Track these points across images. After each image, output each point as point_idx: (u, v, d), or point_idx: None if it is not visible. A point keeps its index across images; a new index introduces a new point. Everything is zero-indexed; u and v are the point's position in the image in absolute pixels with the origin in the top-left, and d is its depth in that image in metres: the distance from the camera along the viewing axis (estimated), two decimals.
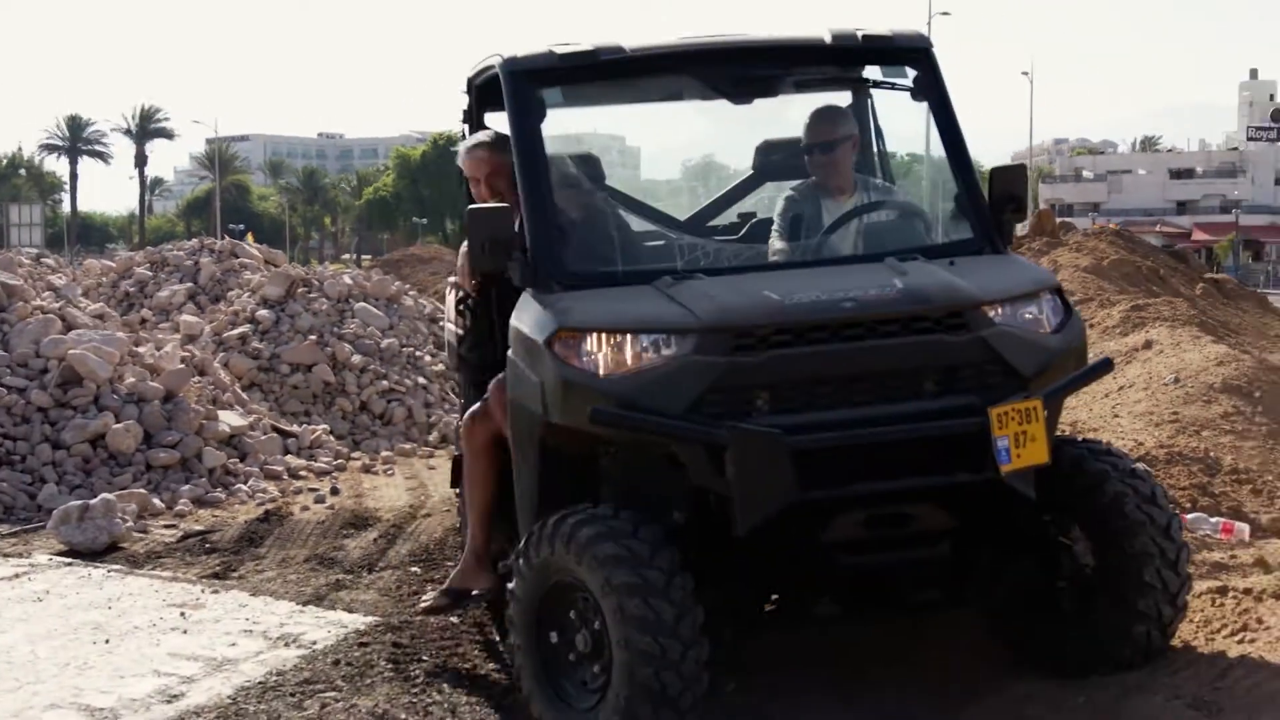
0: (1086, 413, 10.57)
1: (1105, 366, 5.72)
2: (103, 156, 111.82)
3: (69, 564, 8.76)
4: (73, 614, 7.45)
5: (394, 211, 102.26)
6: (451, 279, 7.00)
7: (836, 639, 6.17)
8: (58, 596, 7.86)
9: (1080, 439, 5.91)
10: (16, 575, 8.43)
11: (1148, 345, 12.73)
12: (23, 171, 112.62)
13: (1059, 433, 5.71)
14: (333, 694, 6.02)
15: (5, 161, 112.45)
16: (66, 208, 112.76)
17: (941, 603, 5.48)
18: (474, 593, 6.25)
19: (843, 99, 6.73)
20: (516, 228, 5.52)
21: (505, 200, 5.80)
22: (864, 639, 6.18)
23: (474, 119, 6.77)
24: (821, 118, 6.27)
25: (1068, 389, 5.40)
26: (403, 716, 5.72)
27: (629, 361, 5.00)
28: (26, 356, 11.68)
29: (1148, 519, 5.24)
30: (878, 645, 6.11)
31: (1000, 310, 5.18)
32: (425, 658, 6.39)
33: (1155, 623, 5.26)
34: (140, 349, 12.69)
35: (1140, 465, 5.57)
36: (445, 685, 6.05)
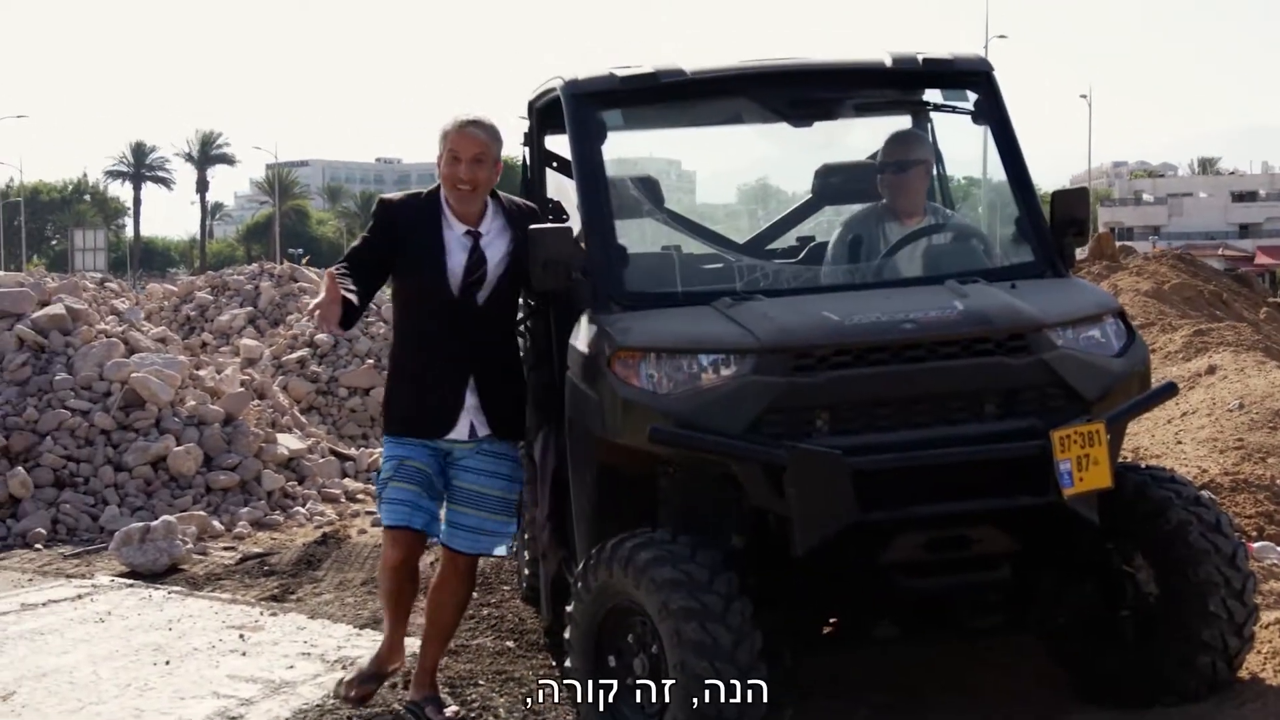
0: (1149, 439, 10.46)
1: (1169, 390, 5.65)
2: (165, 182, 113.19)
3: (130, 585, 8.82)
4: (134, 635, 7.50)
5: None
6: None
7: (896, 662, 6.12)
8: (119, 618, 7.92)
9: (1143, 465, 5.85)
10: (79, 596, 8.50)
11: (1211, 370, 12.58)
12: (87, 197, 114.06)
13: (1121, 459, 5.65)
14: (390, 718, 6.02)
15: (71, 188, 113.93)
16: (129, 232, 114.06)
17: (1001, 627, 5.43)
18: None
19: (902, 123, 6.71)
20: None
21: (477, 192, 5.55)
22: (924, 663, 6.13)
23: (535, 142, 6.79)
24: (899, 139, 6.31)
25: (1131, 413, 5.34)
26: None
27: (688, 381, 4.99)
28: (90, 379, 11.79)
29: (1212, 547, 5.16)
30: (937, 670, 6.06)
31: (1062, 333, 5.14)
32: (481, 682, 6.37)
33: (1220, 654, 5.17)
34: (201, 372, 12.80)
35: (1204, 493, 5.48)
36: (501, 710, 6.03)
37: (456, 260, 5.53)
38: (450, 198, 5.58)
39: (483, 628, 7.28)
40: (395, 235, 5.62)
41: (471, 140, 5.50)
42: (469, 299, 5.54)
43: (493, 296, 5.58)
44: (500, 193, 5.78)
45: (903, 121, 6.74)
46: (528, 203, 5.97)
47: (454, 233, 5.56)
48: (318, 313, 5.29)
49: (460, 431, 5.59)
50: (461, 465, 5.66)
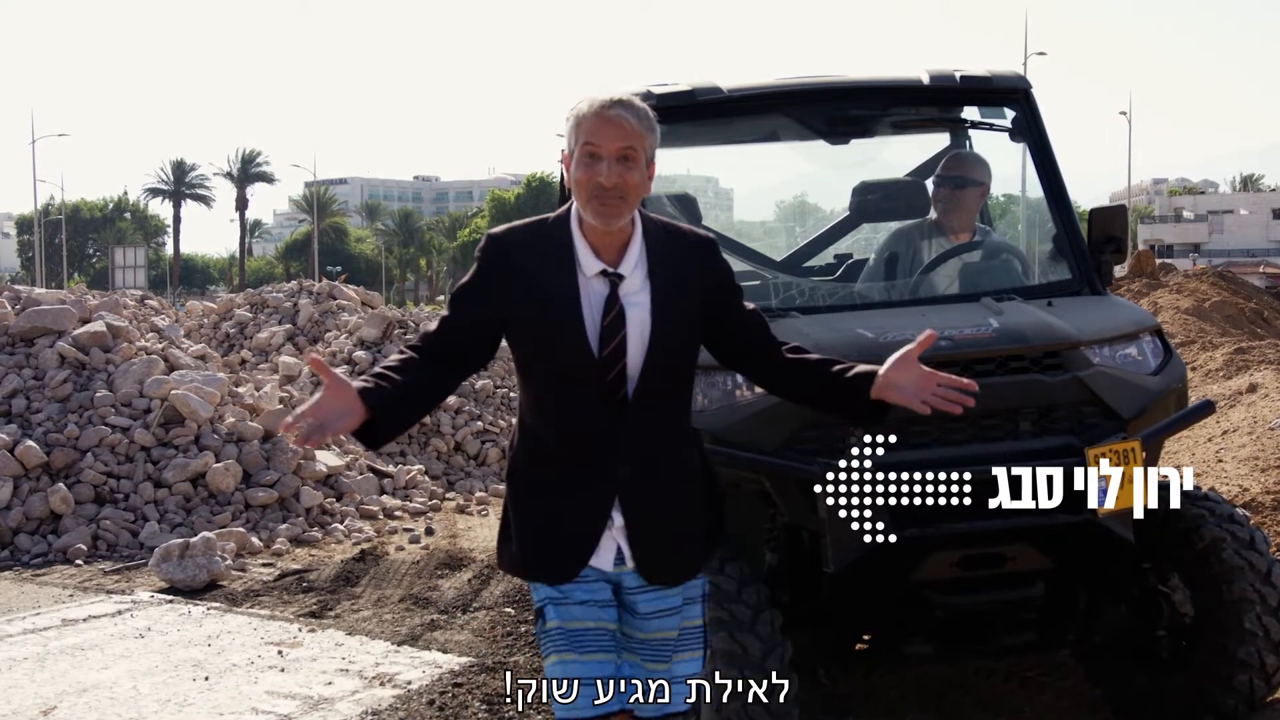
0: (1189, 457, 10.39)
1: (1206, 409, 5.62)
2: (205, 200, 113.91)
3: (170, 601, 8.87)
4: (173, 651, 7.54)
5: None
6: None
7: (933, 680, 6.11)
8: (159, 633, 7.96)
9: None
10: (119, 612, 8.55)
11: (1252, 389, 12.50)
12: (128, 215, 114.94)
13: None
14: None
15: (111, 205, 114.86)
16: (169, 250, 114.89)
17: (1035, 645, 5.41)
18: None
19: (940, 140, 6.71)
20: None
21: (626, 204, 3.66)
22: (960, 681, 6.11)
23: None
24: (961, 157, 6.32)
25: (1167, 431, 5.32)
26: None
27: (723, 398, 5.00)
28: (130, 396, 11.87)
29: (1246, 564, 5.15)
30: (974, 688, 6.05)
31: (1098, 350, 5.12)
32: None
33: (1258, 671, 5.15)
34: (240, 389, 12.87)
35: (1239, 510, 5.46)
36: None
37: (592, 317, 3.69)
38: (587, 213, 3.70)
39: (521, 644, 7.29)
40: (512, 287, 3.75)
41: (617, 128, 3.66)
42: (611, 374, 3.69)
43: (649, 371, 3.69)
44: (649, 214, 3.88)
45: (941, 139, 6.74)
46: (696, 229, 4.02)
47: (586, 275, 3.71)
48: (298, 425, 3.46)
49: (602, 558, 3.75)
50: (628, 602, 3.83)
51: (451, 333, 3.77)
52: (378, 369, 3.68)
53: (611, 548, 3.73)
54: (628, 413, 3.69)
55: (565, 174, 3.76)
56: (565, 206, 3.82)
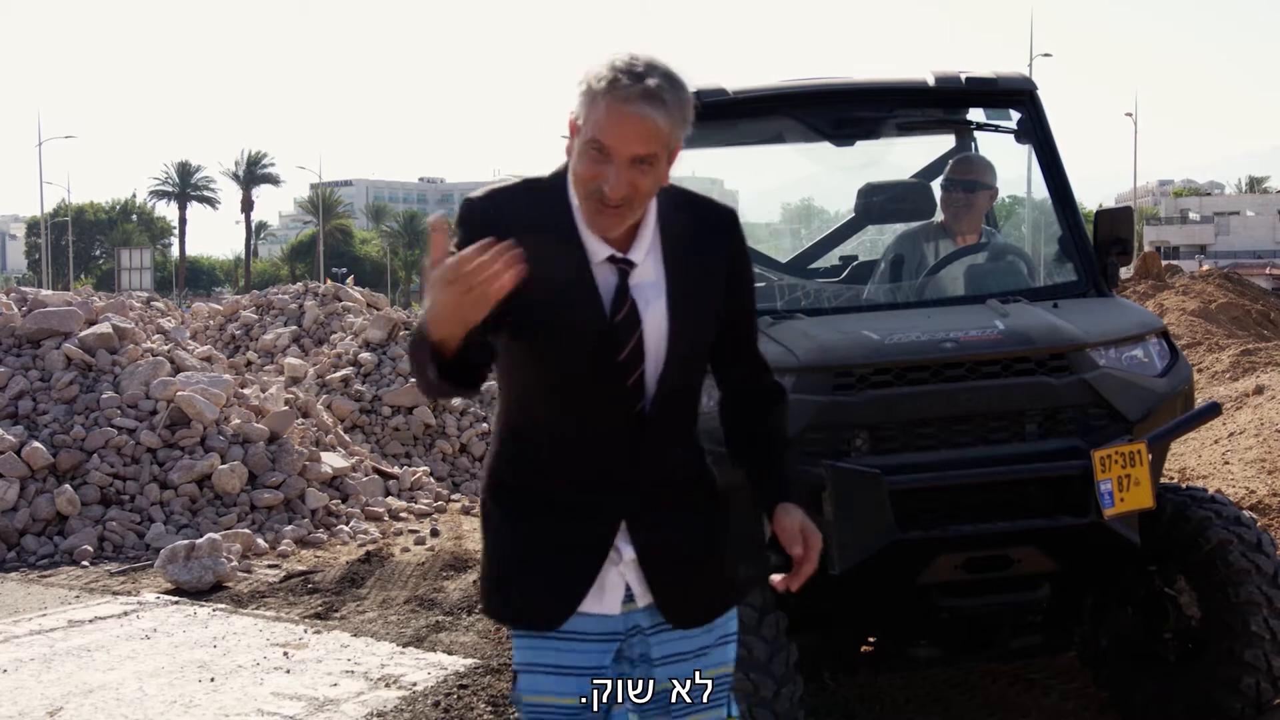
0: (1196, 459, 10.39)
1: (1212, 411, 5.62)
2: (210, 202, 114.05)
3: (176, 602, 8.88)
4: (179, 652, 7.54)
5: None
6: None
7: (939, 683, 6.10)
8: (165, 634, 7.96)
9: (1183, 486, 5.83)
10: (125, 613, 8.56)
11: (1259, 390, 12.49)
12: (134, 217, 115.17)
13: (1164, 480, 5.61)
14: None
15: (118, 207, 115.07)
16: (175, 252, 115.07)
17: (1041, 647, 5.41)
18: None
19: (946, 142, 6.70)
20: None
21: (630, 210, 2.86)
22: (967, 684, 6.11)
23: None
24: (971, 161, 6.31)
25: (1173, 433, 5.31)
26: None
27: None
28: (136, 398, 11.88)
29: (1253, 567, 5.14)
30: (981, 691, 6.04)
31: (1104, 352, 5.12)
32: None
33: (1265, 674, 5.14)
34: (246, 391, 12.87)
35: (1246, 512, 5.45)
36: None
37: (599, 309, 2.94)
38: (582, 212, 2.93)
39: None
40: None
41: (636, 129, 2.77)
42: (621, 379, 2.97)
43: (669, 377, 3.03)
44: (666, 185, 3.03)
45: (946, 141, 6.74)
46: (716, 201, 3.24)
47: (593, 260, 2.96)
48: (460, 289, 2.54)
49: (607, 601, 3.02)
50: (639, 647, 3.09)
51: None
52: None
53: (619, 585, 3.01)
54: (642, 426, 3.00)
55: (568, 140, 2.93)
56: (560, 170, 2.99)
